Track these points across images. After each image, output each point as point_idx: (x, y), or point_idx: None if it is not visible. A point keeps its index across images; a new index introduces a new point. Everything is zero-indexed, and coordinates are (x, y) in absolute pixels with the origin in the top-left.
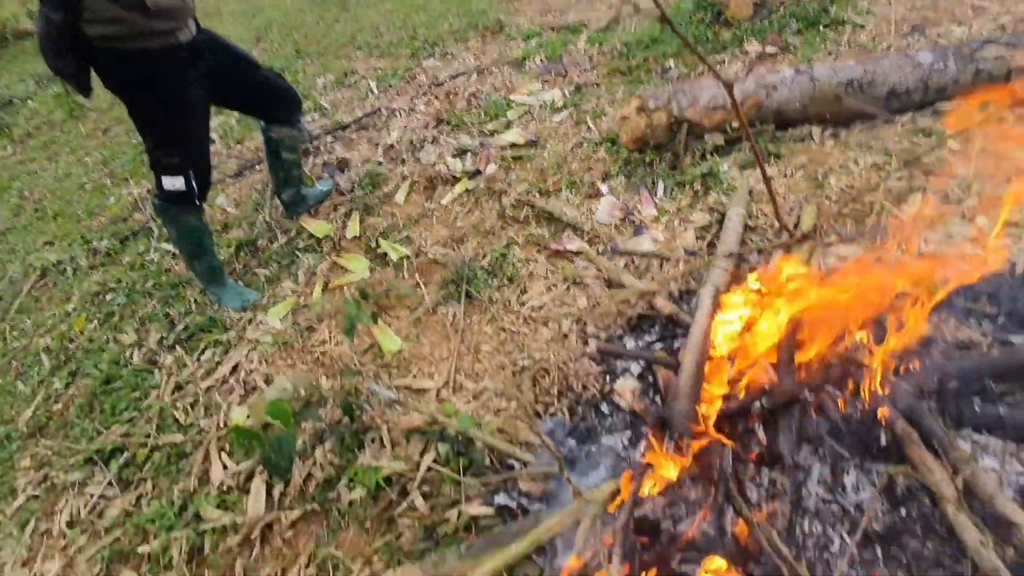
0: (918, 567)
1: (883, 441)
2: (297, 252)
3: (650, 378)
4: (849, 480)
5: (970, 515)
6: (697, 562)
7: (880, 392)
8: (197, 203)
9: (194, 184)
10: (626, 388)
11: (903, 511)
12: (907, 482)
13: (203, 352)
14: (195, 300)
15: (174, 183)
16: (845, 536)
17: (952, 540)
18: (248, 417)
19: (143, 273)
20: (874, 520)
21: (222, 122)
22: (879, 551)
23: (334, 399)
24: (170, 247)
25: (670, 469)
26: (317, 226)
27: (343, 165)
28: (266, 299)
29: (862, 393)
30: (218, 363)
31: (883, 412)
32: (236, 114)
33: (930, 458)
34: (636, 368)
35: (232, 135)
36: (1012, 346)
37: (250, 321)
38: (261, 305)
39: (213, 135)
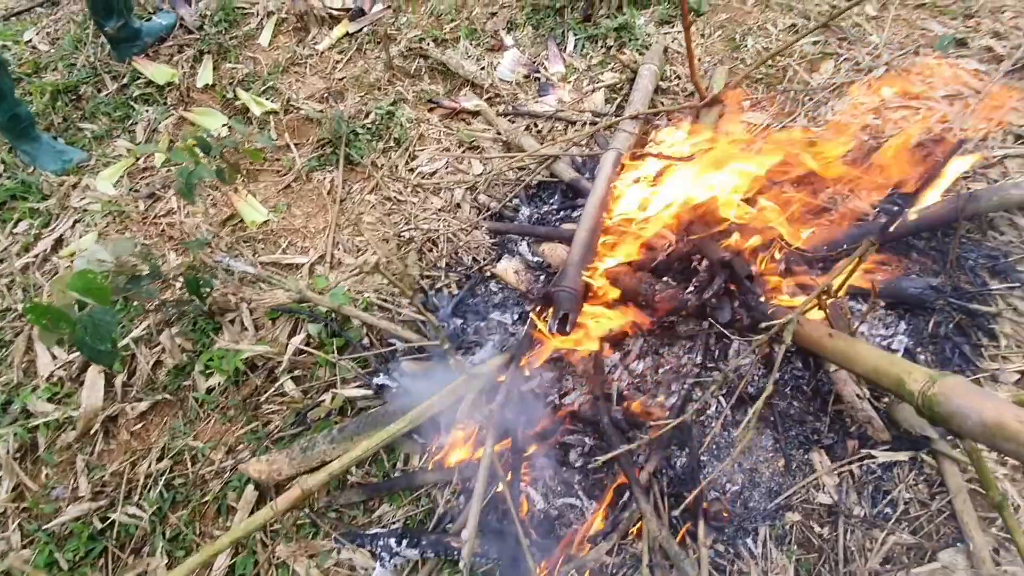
0: (783, 424)
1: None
2: (132, 103)
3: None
4: (732, 348)
5: (849, 372)
6: (580, 434)
7: (776, 261)
8: None
9: None
10: (508, 269)
11: (777, 376)
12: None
13: (16, 224)
14: (1, 160)
15: None
16: (721, 400)
17: (816, 399)
18: (50, 295)
19: None
20: (750, 384)
21: None
22: (750, 412)
23: (178, 275)
24: None
25: (553, 349)
26: (157, 71)
27: None
28: (94, 160)
29: (758, 263)
30: (37, 237)
31: (776, 282)
32: None
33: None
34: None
35: None
36: (893, 213)
37: (74, 186)
38: (88, 167)
39: None
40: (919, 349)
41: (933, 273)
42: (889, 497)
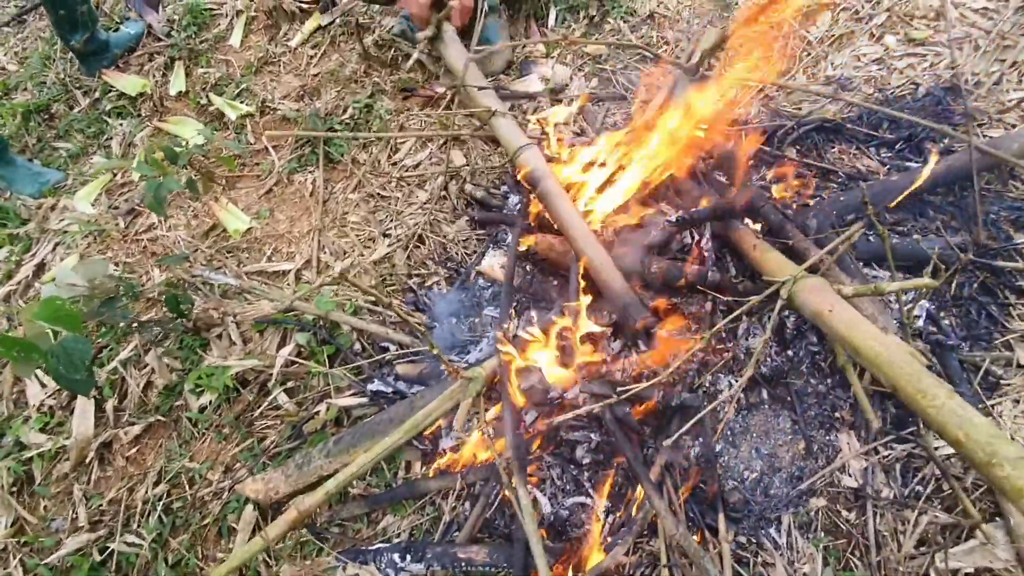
0: (801, 404)
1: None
2: (106, 118)
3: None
4: (741, 327)
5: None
6: (586, 430)
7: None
8: None
9: None
10: (494, 265)
11: (791, 352)
12: (796, 323)
13: None
14: None
15: None
16: (734, 382)
17: (834, 375)
18: (19, 325)
19: None
20: (763, 364)
21: None
22: (765, 393)
23: (157, 292)
24: None
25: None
26: (128, 82)
27: (154, 0)
28: (71, 179)
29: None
30: (18, 263)
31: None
32: None
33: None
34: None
35: None
36: (907, 170)
37: (52, 208)
38: (65, 187)
39: None
40: (942, 313)
41: (952, 231)
42: (920, 475)
